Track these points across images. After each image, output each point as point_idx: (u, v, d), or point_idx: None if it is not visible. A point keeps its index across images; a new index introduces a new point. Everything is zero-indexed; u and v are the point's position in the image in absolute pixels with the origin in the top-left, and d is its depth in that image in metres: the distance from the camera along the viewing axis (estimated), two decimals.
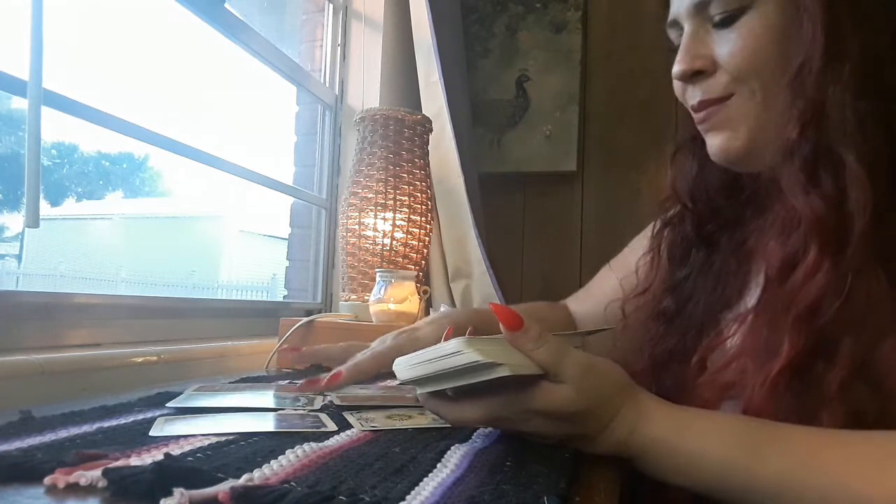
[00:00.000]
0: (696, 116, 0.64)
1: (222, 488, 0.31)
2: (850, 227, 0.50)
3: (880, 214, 0.50)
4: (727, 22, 0.60)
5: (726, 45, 0.60)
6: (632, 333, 0.76)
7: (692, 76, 0.62)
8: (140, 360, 0.75)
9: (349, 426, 0.49)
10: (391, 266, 1.19)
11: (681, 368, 0.65)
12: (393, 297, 1.04)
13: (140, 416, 0.49)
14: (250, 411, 0.54)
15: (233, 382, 0.70)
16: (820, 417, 0.49)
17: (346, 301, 1.22)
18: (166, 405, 0.54)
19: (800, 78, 0.55)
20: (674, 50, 0.66)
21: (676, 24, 0.65)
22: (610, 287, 0.82)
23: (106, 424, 0.46)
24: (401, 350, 0.63)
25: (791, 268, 0.54)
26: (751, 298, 0.63)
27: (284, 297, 1.49)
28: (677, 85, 0.66)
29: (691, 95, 0.64)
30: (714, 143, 0.63)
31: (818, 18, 0.54)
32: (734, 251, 0.68)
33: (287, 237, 1.52)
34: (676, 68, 0.63)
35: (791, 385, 0.51)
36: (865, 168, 0.50)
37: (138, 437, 0.43)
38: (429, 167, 1.30)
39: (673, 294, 0.72)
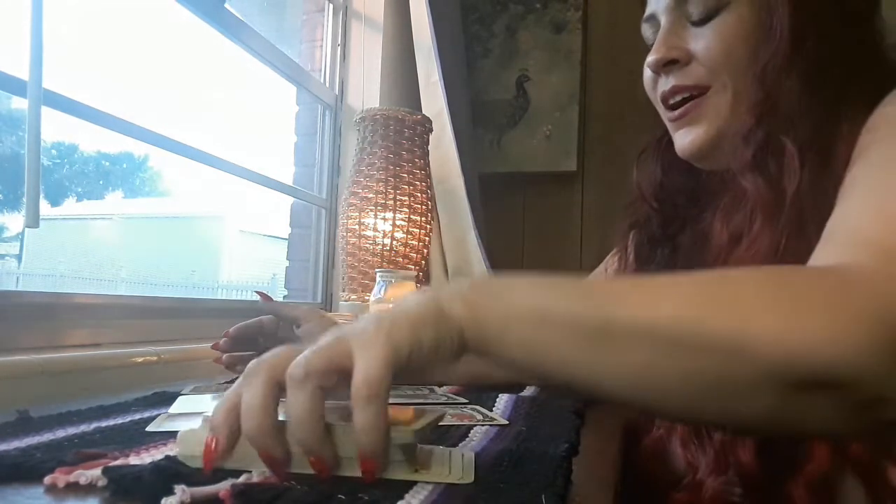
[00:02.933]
0: (668, 112, 0.67)
1: (223, 486, 0.31)
2: (783, 200, 0.55)
3: (815, 190, 0.54)
4: (704, 19, 0.63)
5: (702, 41, 0.63)
6: None
7: (666, 65, 0.65)
8: (140, 360, 0.75)
9: None
10: (391, 266, 1.19)
11: None
12: (393, 297, 1.04)
13: (138, 416, 0.49)
14: None
15: (228, 382, 0.70)
16: None
17: (346, 301, 1.22)
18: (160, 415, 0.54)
19: (763, 73, 0.59)
20: (648, 47, 0.69)
21: (653, 19, 0.68)
22: None
23: (104, 424, 0.46)
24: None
25: (737, 240, 0.58)
26: None
27: (284, 297, 1.49)
28: (648, 78, 0.69)
29: (663, 83, 0.66)
30: (683, 139, 0.66)
31: (785, 20, 0.59)
32: (694, 244, 0.71)
33: (287, 237, 1.52)
34: (652, 57, 0.66)
35: None
36: (799, 150, 0.56)
37: (137, 436, 0.43)
38: (429, 167, 1.30)
39: None
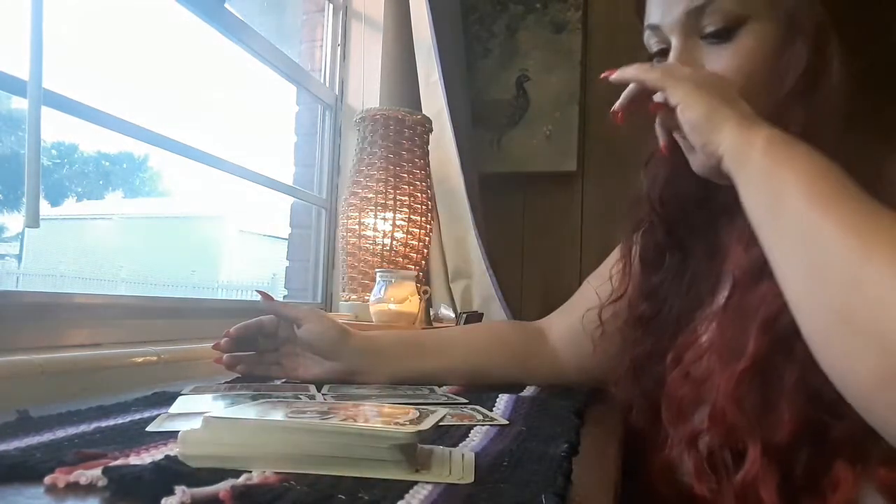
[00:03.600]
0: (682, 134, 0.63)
1: (223, 487, 0.31)
2: None
3: None
4: (721, 36, 0.60)
5: (719, 60, 0.60)
6: (610, 339, 0.76)
7: None
8: (140, 360, 0.75)
9: None
10: (391, 266, 1.19)
11: (659, 368, 0.66)
12: (393, 297, 1.04)
13: (138, 416, 0.49)
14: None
15: (228, 382, 0.70)
16: (780, 407, 0.52)
17: (346, 301, 1.22)
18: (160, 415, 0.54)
19: (791, 95, 0.57)
20: (651, 55, 0.67)
21: (658, 31, 0.65)
22: (589, 299, 0.82)
23: (104, 424, 0.46)
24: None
25: (757, 274, 0.56)
26: (721, 297, 0.65)
27: (284, 297, 1.49)
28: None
29: None
30: (700, 159, 0.62)
31: (810, 39, 0.57)
32: (706, 254, 0.69)
33: (287, 237, 1.52)
34: None
35: (753, 381, 0.54)
36: None
37: (137, 436, 0.43)
38: (429, 167, 1.30)
39: (649, 299, 0.73)
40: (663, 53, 0.65)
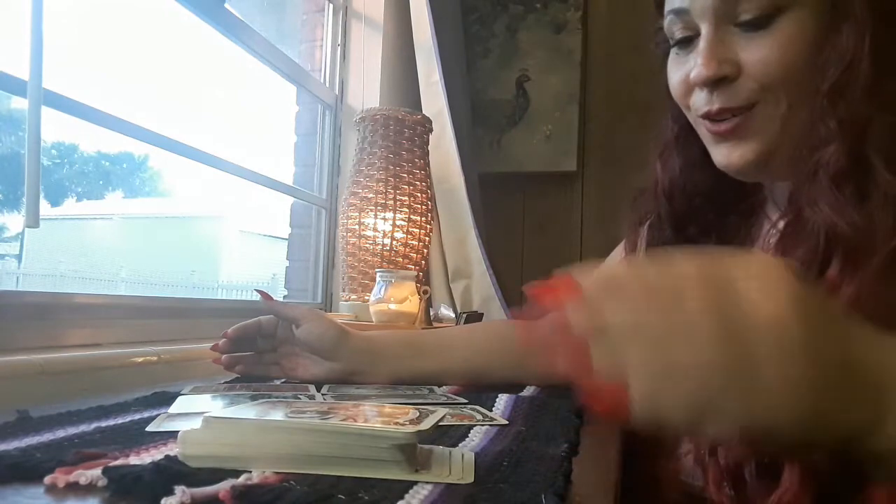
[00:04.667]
0: (712, 125, 0.59)
1: (223, 487, 0.31)
2: (874, 246, 0.49)
3: None
4: (758, 24, 0.55)
5: (757, 51, 0.55)
6: None
7: (716, 82, 0.57)
8: (140, 360, 0.75)
9: None
10: (391, 266, 1.19)
11: None
12: (393, 297, 1.04)
13: (138, 416, 0.49)
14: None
15: (228, 382, 0.70)
16: None
17: (346, 301, 1.22)
18: (160, 415, 0.54)
19: (836, 90, 0.52)
20: (664, 40, 0.62)
21: (684, 14, 0.58)
22: None
23: (104, 424, 0.46)
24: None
25: None
26: None
27: (284, 297, 1.49)
28: (681, 86, 0.61)
29: (707, 101, 0.58)
30: (729, 155, 0.59)
31: (866, 29, 0.51)
32: None
33: (287, 237, 1.52)
34: (699, 73, 0.57)
35: None
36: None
37: (137, 436, 0.43)
38: (429, 167, 1.30)
39: None
40: (688, 42, 0.60)
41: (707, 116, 0.59)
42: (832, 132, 0.52)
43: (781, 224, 0.57)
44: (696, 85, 0.59)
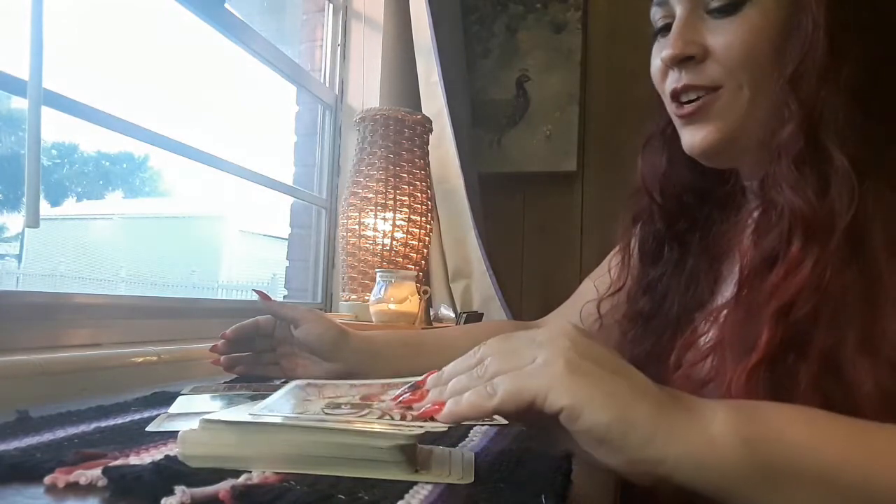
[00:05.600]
0: (677, 108, 0.63)
1: (223, 487, 0.31)
2: (833, 223, 0.51)
3: (861, 213, 0.51)
4: (726, 11, 0.59)
5: (722, 36, 0.59)
6: (608, 332, 0.75)
7: (681, 62, 0.61)
8: (140, 360, 0.75)
9: None
10: (391, 266, 1.19)
11: (658, 369, 0.65)
12: (393, 297, 1.04)
13: (138, 416, 0.49)
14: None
15: (227, 382, 0.70)
16: None
17: (346, 301, 1.22)
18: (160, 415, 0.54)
19: (796, 76, 0.55)
20: (656, 31, 0.65)
21: (665, 4, 0.64)
22: (588, 295, 0.82)
23: (104, 424, 0.46)
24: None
25: (771, 263, 0.54)
26: (721, 297, 0.64)
27: (284, 297, 1.49)
28: (657, 70, 0.65)
29: (675, 80, 0.62)
30: (692, 136, 0.62)
31: (821, 19, 0.54)
32: (705, 251, 0.68)
33: (287, 237, 1.52)
34: (667, 52, 0.61)
35: (765, 377, 0.52)
36: (853, 167, 0.51)
37: (136, 436, 0.43)
38: (429, 167, 1.30)
39: (648, 294, 0.72)
40: (667, 29, 0.64)
41: (674, 96, 0.62)
42: (792, 114, 0.55)
43: (756, 214, 0.59)
44: (666, 63, 0.62)
